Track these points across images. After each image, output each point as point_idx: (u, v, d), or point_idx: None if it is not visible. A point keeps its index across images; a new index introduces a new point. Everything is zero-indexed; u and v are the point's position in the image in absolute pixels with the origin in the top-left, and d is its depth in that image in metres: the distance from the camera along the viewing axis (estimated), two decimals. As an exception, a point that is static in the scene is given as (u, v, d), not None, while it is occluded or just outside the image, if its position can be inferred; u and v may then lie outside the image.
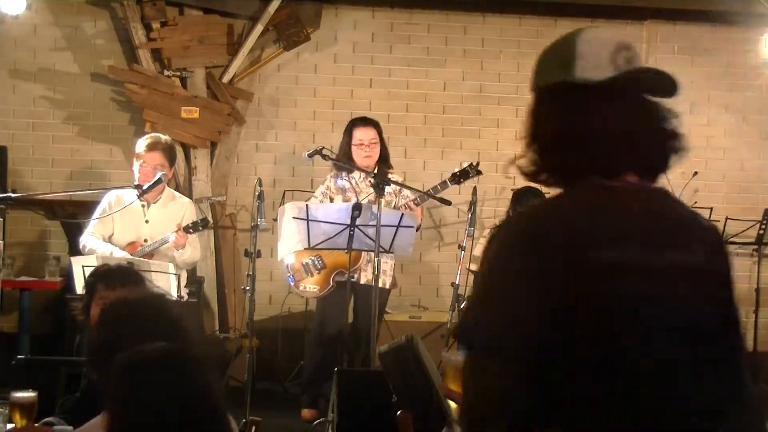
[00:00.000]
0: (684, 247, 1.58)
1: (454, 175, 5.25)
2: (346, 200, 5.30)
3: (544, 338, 1.49)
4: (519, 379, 1.49)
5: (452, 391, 1.89)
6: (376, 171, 5.29)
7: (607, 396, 1.50)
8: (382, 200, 4.91)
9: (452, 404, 1.90)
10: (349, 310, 5.48)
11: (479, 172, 5.26)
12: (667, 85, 1.60)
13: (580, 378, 1.50)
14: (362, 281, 5.31)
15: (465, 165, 5.27)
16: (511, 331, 1.51)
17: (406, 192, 5.35)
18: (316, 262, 5.34)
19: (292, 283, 5.41)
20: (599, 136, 1.57)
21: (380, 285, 5.02)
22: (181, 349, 1.99)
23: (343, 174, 5.43)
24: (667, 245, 1.56)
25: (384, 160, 5.44)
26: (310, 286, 5.36)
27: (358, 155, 5.33)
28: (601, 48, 1.59)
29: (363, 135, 5.36)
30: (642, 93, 1.60)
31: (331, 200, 5.38)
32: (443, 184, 5.23)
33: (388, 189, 5.22)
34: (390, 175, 5.35)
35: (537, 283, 1.50)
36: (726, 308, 1.62)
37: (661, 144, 1.61)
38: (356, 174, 5.39)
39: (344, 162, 5.33)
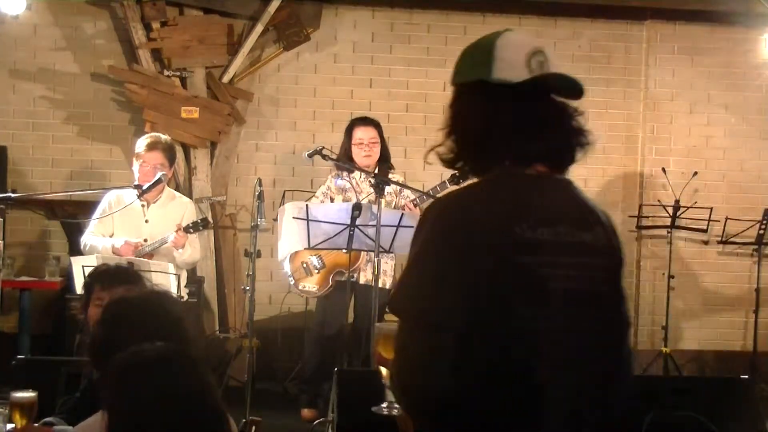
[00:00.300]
0: (588, 228, 1.76)
1: (453, 176, 5.23)
2: (346, 200, 5.31)
3: (468, 308, 1.63)
4: (446, 348, 1.62)
5: (383, 357, 1.95)
6: (376, 171, 5.29)
7: (517, 361, 1.65)
8: (383, 200, 4.91)
9: (383, 370, 1.96)
10: (349, 310, 5.48)
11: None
12: (574, 89, 1.76)
13: (496, 345, 1.64)
14: (362, 281, 5.32)
15: (465, 166, 5.26)
16: (439, 302, 1.64)
17: (406, 192, 5.35)
18: (316, 262, 5.35)
19: (292, 283, 5.41)
20: (512, 130, 1.73)
21: (380, 285, 5.02)
22: (179, 348, 1.99)
23: (344, 174, 5.43)
24: (574, 226, 1.74)
25: (385, 160, 5.44)
26: (310, 285, 5.37)
27: (358, 155, 5.33)
28: (517, 52, 1.75)
29: (363, 134, 5.36)
30: (551, 94, 1.77)
31: (332, 200, 5.38)
32: (443, 185, 5.23)
33: (388, 189, 5.22)
34: (391, 175, 5.34)
35: (463, 258, 1.65)
36: (619, 284, 1.82)
37: (568, 139, 1.77)
38: (357, 174, 5.39)
39: (344, 162, 5.33)
